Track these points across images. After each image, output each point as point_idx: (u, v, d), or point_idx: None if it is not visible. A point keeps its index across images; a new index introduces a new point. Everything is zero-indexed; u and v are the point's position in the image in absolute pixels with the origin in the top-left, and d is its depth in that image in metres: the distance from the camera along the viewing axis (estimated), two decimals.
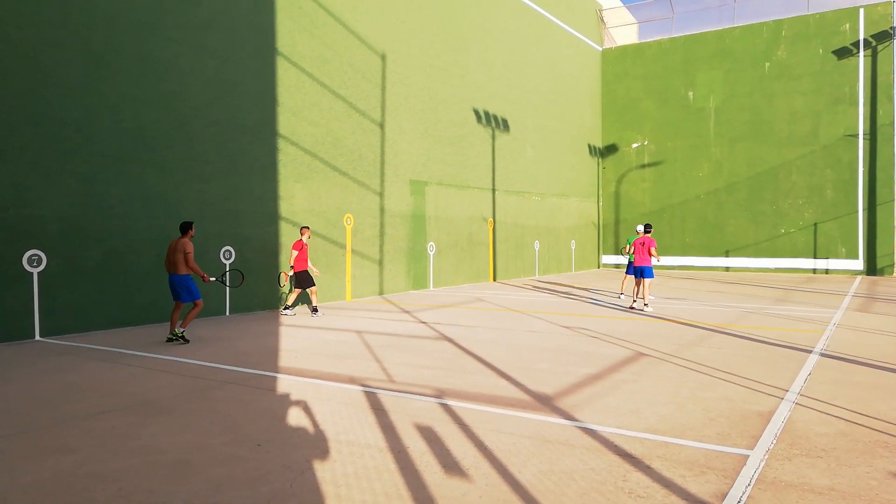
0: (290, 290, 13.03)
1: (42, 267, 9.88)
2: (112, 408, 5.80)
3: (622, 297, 15.44)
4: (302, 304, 14.11)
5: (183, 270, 9.25)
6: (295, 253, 12.13)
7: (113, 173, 10.82)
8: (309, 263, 12.26)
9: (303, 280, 12.18)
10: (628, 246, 14.14)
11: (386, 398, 6.07)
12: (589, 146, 27.75)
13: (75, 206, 10.32)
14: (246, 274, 12.96)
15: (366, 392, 6.32)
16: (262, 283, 13.37)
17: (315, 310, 12.27)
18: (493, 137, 21.07)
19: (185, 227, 9.45)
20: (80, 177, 10.39)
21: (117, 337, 9.97)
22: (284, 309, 12.61)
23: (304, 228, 12.50)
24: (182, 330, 9.25)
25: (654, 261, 13.28)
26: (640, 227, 13.86)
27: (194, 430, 5.09)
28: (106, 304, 10.70)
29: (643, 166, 27.72)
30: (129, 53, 11.07)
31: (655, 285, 19.01)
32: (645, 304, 13.08)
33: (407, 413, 5.54)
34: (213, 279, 9.72)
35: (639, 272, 13.32)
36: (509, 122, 21.93)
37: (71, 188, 10.27)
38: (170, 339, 9.27)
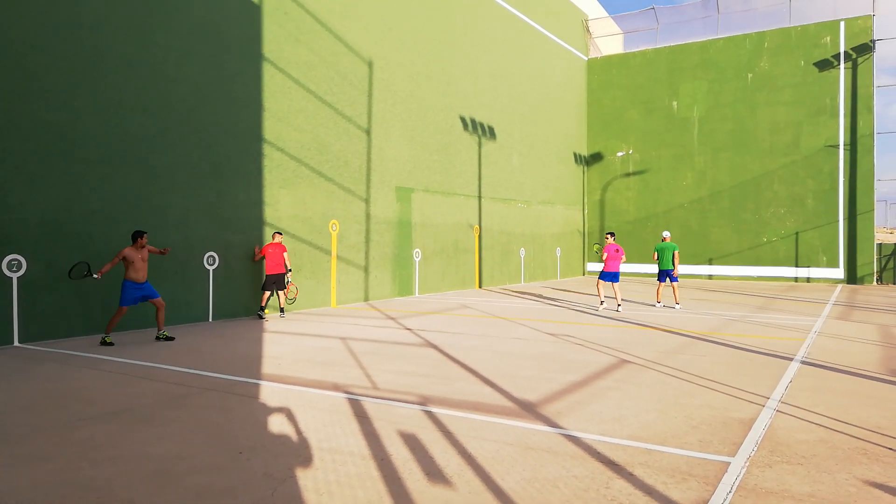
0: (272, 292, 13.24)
1: (22, 272, 9.75)
2: (91, 415, 5.73)
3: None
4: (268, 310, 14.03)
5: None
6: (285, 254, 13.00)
7: (97, 178, 10.72)
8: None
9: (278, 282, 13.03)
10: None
11: (370, 405, 6.04)
12: (574, 154, 27.92)
13: (58, 210, 10.21)
14: (230, 280, 12.90)
15: (349, 399, 6.29)
16: (246, 290, 13.28)
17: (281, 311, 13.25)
18: (480, 145, 21.14)
19: (135, 236, 10.02)
20: (64, 181, 10.28)
21: (97, 344, 9.85)
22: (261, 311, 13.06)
23: (277, 233, 13.17)
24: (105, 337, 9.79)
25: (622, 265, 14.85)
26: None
27: (175, 439, 5.03)
28: (87, 310, 10.57)
29: (628, 175, 27.93)
30: (115, 58, 10.98)
31: (639, 293, 19.16)
32: (619, 305, 14.20)
33: (391, 420, 5.52)
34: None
35: (612, 277, 14.47)
36: (496, 130, 22.02)
37: (54, 192, 10.16)
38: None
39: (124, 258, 9.75)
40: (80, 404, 6.13)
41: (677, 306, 14.98)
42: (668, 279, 15.32)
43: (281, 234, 13.25)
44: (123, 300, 9.82)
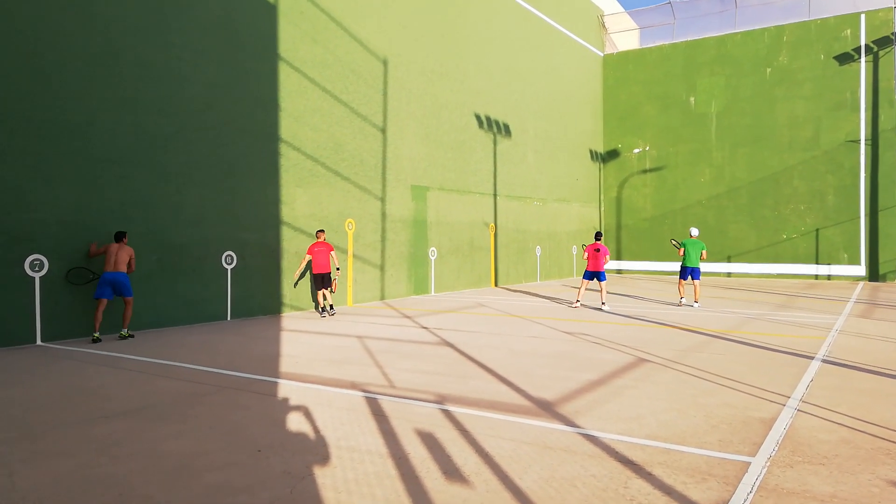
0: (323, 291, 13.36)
1: (44, 272, 9.88)
2: (111, 413, 5.79)
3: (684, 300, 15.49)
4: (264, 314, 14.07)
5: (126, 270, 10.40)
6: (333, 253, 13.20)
7: (113, 177, 10.83)
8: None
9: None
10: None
11: (387, 404, 6.05)
12: (590, 151, 27.76)
13: (76, 209, 10.33)
14: (247, 279, 12.97)
15: (367, 397, 6.30)
16: (263, 288, 13.35)
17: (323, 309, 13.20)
18: (495, 142, 21.08)
19: (122, 235, 10.38)
20: (81, 180, 10.40)
21: (118, 342, 9.96)
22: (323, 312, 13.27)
23: (320, 231, 13.34)
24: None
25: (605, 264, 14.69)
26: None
27: (193, 436, 5.07)
28: (106, 309, 10.67)
29: (644, 171, 27.72)
30: (129, 57, 11.09)
31: (656, 291, 19.01)
32: (602, 304, 14.29)
33: (408, 419, 5.52)
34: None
35: (596, 276, 14.48)
36: (510, 127, 21.95)
37: (71, 192, 10.28)
38: (123, 337, 10.26)
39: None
40: (99, 401, 6.20)
41: (696, 305, 14.86)
42: (690, 277, 15.09)
43: (324, 231, 13.43)
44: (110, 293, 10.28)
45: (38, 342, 9.80)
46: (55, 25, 10.09)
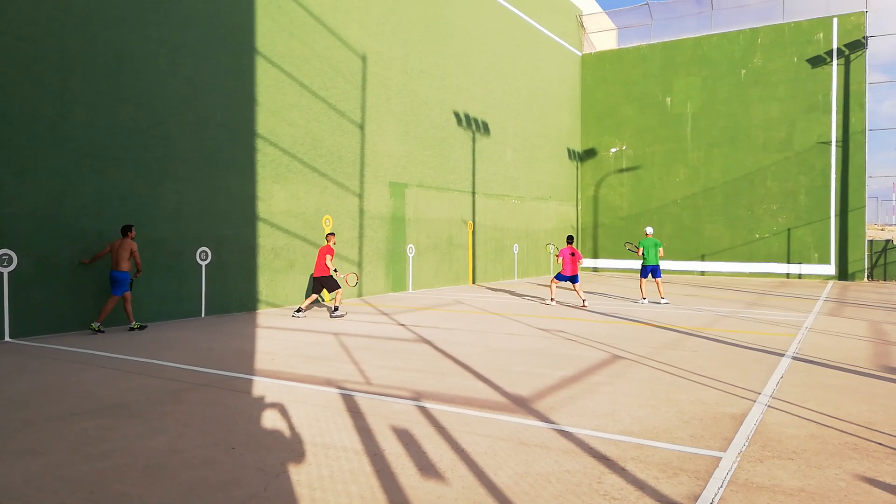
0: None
1: (13, 266, 9.69)
2: (84, 410, 5.71)
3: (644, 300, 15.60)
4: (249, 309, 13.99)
5: (126, 267, 10.51)
6: (328, 256, 12.63)
7: (88, 171, 10.66)
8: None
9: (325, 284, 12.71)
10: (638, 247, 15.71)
11: (363, 400, 6.05)
12: (568, 150, 27.94)
13: (48, 204, 10.15)
14: (223, 275, 12.85)
15: (342, 394, 6.29)
16: (238, 285, 13.24)
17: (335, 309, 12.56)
18: (474, 140, 21.12)
19: (127, 229, 10.60)
20: (54, 174, 10.22)
21: (90, 338, 9.82)
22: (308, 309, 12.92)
23: (330, 235, 12.90)
24: (98, 324, 10.26)
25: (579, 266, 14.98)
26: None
27: (168, 434, 5.03)
28: (79, 305, 10.52)
29: (621, 171, 27.97)
30: (105, 50, 10.91)
31: (629, 289, 19.23)
32: (584, 301, 14.43)
33: (384, 415, 5.53)
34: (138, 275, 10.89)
35: (571, 280, 14.67)
36: (489, 126, 22.00)
37: (44, 186, 10.10)
38: (132, 329, 10.61)
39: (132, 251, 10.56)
40: (72, 399, 6.11)
41: (663, 301, 15.15)
42: (650, 275, 15.54)
43: (334, 234, 13.02)
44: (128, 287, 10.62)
45: (7, 339, 9.62)
46: (31, 18, 9.89)
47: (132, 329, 10.59)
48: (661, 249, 15.53)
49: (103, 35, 10.88)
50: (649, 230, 15.97)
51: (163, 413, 5.61)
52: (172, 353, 8.58)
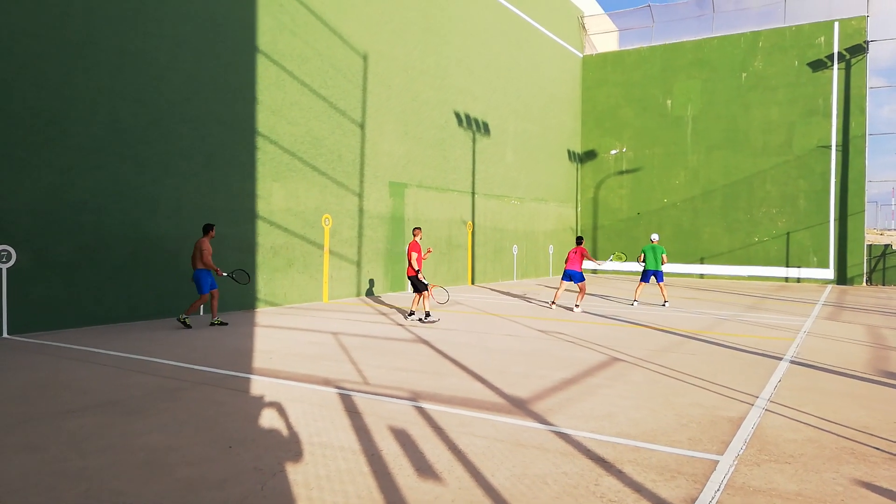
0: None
1: (11, 262, 9.68)
2: (81, 407, 5.70)
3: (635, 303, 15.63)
4: (225, 312, 13.98)
5: (198, 265, 10.68)
6: (414, 255, 11.68)
7: (87, 167, 10.65)
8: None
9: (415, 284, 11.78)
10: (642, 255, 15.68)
11: (360, 400, 6.04)
12: (568, 151, 27.94)
13: (47, 199, 10.13)
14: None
15: (340, 394, 6.29)
16: (237, 283, 13.20)
17: (426, 315, 11.62)
18: (474, 140, 21.12)
19: (206, 228, 10.85)
20: (54, 170, 10.21)
21: (89, 335, 9.81)
22: (409, 316, 12.05)
23: (416, 229, 12.11)
24: (185, 316, 10.63)
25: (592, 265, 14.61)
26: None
27: (165, 431, 5.02)
28: (77, 301, 10.51)
29: (621, 173, 27.98)
30: (107, 46, 10.90)
31: (629, 291, 19.23)
32: (576, 306, 14.10)
33: (381, 415, 5.52)
34: (225, 274, 11.13)
35: (571, 277, 14.23)
36: (490, 126, 22.00)
37: (43, 181, 10.08)
38: (213, 324, 10.89)
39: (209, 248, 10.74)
40: (70, 395, 6.10)
41: (666, 304, 15.22)
42: (652, 279, 15.60)
43: (420, 228, 12.23)
44: (205, 287, 10.72)
45: (5, 335, 9.61)
46: (31, 13, 9.88)
47: (212, 324, 10.84)
48: (664, 256, 15.49)
49: (104, 31, 10.86)
50: (654, 237, 16.05)
51: (160, 410, 5.61)
52: (170, 350, 8.57)
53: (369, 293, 16.83)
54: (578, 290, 14.43)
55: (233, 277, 11.49)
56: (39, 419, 5.32)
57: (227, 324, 10.99)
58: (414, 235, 12.11)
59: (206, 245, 10.66)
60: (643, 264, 15.65)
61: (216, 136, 12.74)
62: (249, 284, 13.34)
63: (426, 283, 11.76)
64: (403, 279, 18.03)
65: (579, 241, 14.98)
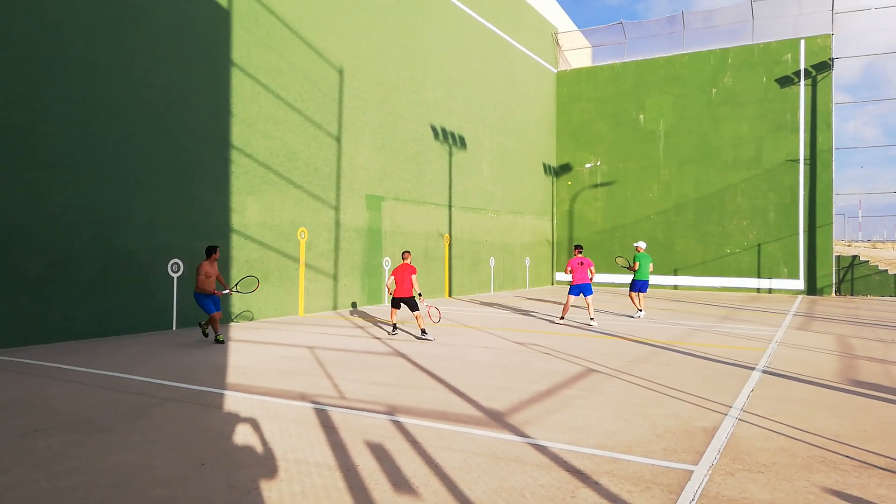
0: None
1: None
2: (48, 426, 5.57)
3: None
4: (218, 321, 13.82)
5: (196, 289, 10.63)
6: (414, 277, 11.67)
7: (58, 181, 10.47)
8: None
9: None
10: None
11: (336, 415, 5.99)
12: (544, 165, 28.19)
13: (16, 214, 9.93)
14: (193, 288, 12.64)
15: (316, 409, 6.22)
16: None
17: (423, 332, 11.42)
18: (451, 154, 21.21)
19: (208, 251, 10.81)
20: (23, 184, 10.01)
21: (57, 351, 9.59)
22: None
23: (406, 253, 11.99)
24: (216, 335, 10.60)
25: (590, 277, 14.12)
26: (643, 244, 15.83)
27: (135, 450, 4.92)
28: (46, 317, 10.29)
29: (596, 186, 28.29)
30: (78, 59, 10.77)
31: (607, 303, 19.37)
32: (591, 319, 13.65)
33: (357, 430, 5.48)
34: (228, 291, 10.92)
35: (580, 290, 13.77)
36: (466, 140, 22.12)
37: (13, 196, 9.88)
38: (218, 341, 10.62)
39: (205, 272, 10.52)
40: (37, 414, 5.95)
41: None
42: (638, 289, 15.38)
43: (409, 252, 12.04)
44: (209, 308, 10.59)
45: None
46: (1, 26, 9.73)
47: (217, 341, 10.61)
48: (651, 264, 15.49)
49: (75, 43, 10.74)
50: (642, 245, 15.85)
51: (130, 429, 5.49)
52: (142, 366, 8.41)
53: (346, 306, 16.73)
54: (587, 304, 13.76)
55: (238, 291, 11.42)
56: (5, 439, 5.17)
57: (223, 342, 10.62)
58: (404, 259, 11.88)
59: (205, 269, 10.50)
60: (634, 273, 15.29)
61: (190, 149, 12.63)
62: (225, 297, 13.16)
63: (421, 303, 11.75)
64: (380, 292, 17.96)
65: (580, 248, 14.32)
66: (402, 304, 11.74)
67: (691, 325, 13.91)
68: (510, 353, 9.85)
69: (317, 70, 15.72)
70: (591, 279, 13.99)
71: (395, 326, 11.93)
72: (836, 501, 4.02)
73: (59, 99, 10.50)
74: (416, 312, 11.54)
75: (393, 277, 11.71)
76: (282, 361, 8.87)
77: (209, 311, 10.58)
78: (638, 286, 15.41)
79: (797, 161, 24.50)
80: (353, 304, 17.02)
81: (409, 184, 19.21)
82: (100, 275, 11.00)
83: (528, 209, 26.78)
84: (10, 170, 9.87)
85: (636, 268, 15.35)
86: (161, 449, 4.93)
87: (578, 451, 4.94)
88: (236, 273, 13.44)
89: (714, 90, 26.01)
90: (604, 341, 11.21)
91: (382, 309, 16.86)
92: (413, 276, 11.66)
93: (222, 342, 10.59)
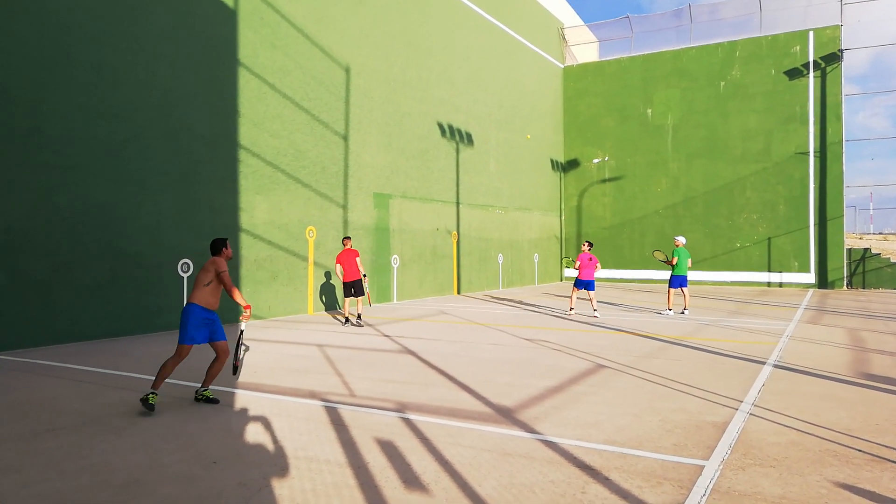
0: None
1: None
2: (59, 426, 5.61)
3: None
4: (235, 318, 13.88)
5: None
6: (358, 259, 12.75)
7: (63, 184, 10.52)
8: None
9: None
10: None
11: (346, 413, 6.00)
12: (551, 161, 28.12)
13: (23, 217, 10.00)
14: None
15: (326, 407, 6.24)
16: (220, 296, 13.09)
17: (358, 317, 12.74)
18: (457, 151, 21.18)
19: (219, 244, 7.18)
20: (29, 187, 10.08)
21: (66, 352, 9.66)
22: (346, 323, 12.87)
23: (346, 238, 12.99)
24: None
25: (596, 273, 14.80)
26: (683, 239, 15.47)
27: (146, 449, 4.95)
28: (53, 319, 10.35)
29: (603, 181, 28.19)
30: (83, 61, 10.82)
31: (617, 298, 19.32)
32: (595, 310, 14.29)
33: (368, 428, 5.49)
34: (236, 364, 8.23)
35: (584, 285, 14.51)
36: (473, 136, 22.09)
37: (19, 199, 9.95)
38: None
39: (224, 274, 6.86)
40: (47, 414, 5.99)
41: (686, 312, 14.79)
42: (680, 286, 14.93)
43: (350, 238, 13.23)
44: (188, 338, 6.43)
45: None
46: (5, 28, 9.78)
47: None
48: (689, 260, 15.12)
49: (80, 46, 10.79)
50: (682, 239, 15.30)
51: (141, 428, 5.52)
52: (151, 366, 8.45)
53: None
54: (590, 297, 14.46)
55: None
56: (17, 439, 5.22)
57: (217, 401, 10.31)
58: (345, 245, 12.86)
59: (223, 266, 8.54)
60: (672, 268, 14.92)
61: (196, 150, 12.67)
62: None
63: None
64: (389, 290, 17.98)
65: (590, 244, 14.92)
66: (352, 288, 12.63)
67: (701, 319, 13.85)
68: (519, 349, 9.84)
69: (323, 69, 15.73)
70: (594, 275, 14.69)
71: (347, 319, 12.79)
72: (849, 495, 3.99)
73: (64, 101, 10.55)
74: (359, 297, 12.60)
75: (340, 265, 12.70)
76: (291, 360, 8.89)
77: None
78: (678, 282, 14.95)
79: (807, 154, 24.32)
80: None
81: (416, 181, 19.20)
82: (108, 276, 11.06)
83: (536, 205, 26.72)
84: (17, 172, 9.93)
85: (674, 262, 14.98)
86: (172, 448, 4.95)
87: (588, 447, 4.93)
88: (245, 272, 13.48)
89: (722, 83, 25.84)
90: (613, 337, 11.18)
91: (391, 307, 16.88)
92: (357, 259, 12.65)
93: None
